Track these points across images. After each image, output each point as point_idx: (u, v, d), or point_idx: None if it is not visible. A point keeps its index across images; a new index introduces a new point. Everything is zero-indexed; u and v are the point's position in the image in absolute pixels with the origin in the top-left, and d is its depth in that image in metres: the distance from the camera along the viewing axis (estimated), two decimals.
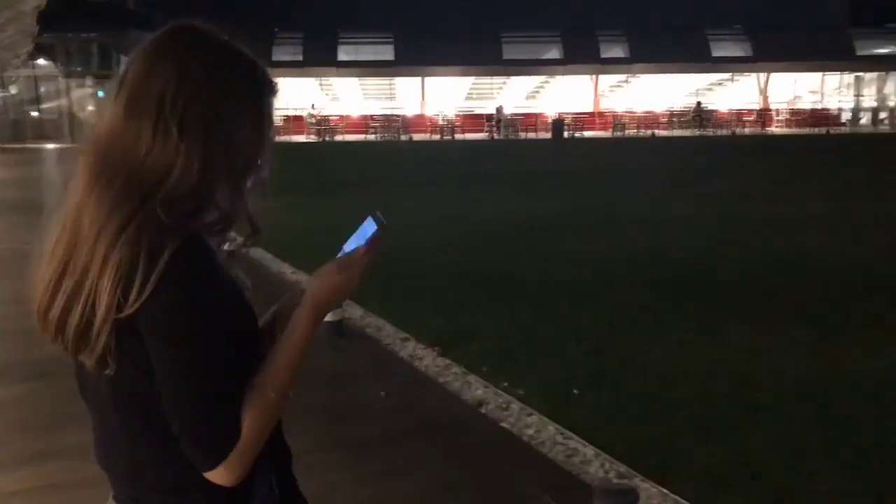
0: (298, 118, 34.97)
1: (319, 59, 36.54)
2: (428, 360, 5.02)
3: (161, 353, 1.07)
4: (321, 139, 33.71)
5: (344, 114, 37.28)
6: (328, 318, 5.33)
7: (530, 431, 3.96)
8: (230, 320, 1.11)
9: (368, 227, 1.23)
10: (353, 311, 6.06)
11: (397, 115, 36.21)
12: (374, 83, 39.59)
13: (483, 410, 4.26)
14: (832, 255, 7.99)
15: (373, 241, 1.21)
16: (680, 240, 8.97)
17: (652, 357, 4.96)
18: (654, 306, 6.07)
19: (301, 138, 32.96)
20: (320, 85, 39.44)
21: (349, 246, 1.24)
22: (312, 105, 35.93)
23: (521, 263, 7.81)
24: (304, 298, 1.19)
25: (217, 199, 1.16)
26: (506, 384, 4.53)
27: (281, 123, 37.86)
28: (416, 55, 36.14)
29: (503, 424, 4.07)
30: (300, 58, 37.28)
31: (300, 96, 35.97)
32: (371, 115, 36.58)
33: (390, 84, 39.62)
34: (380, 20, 37.79)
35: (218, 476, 1.09)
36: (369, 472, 3.55)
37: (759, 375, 4.62)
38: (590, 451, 3.65)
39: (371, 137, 34.56)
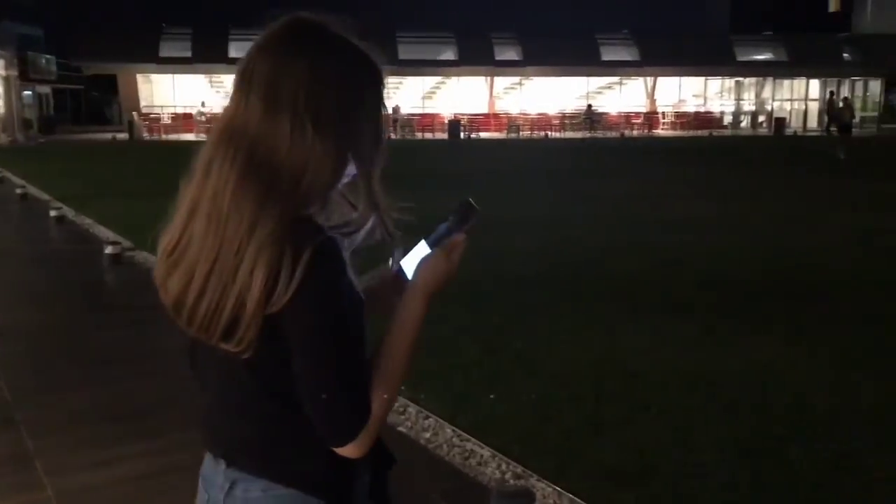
0: (188, 116, 33.88)
1: (210, 55, 35.51)
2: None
3: (303, 344, 1.15)
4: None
5: None
6: None
7: (427, 434, 3.93)
8: (358, 313, 1.20)
9: (463, 214, 1.31)
10: None
11: None
12: None
13: None
14: (718, 253, 8.33)
15: (470, 228, 1.29)
16: (571, 239, 9.16)
17: (546, 356, 5.02)
18: (547, 305, 6.17)
19: (191, 137, 31.98)
20: (210, 82, 38.35)
21: (440, 231, 1.31)
22: (203, 103, 34.91)
23: None
24: (414, 287, 1.26)
25: (349, 198, 1.23)
26: (402, 388, 4.48)
27: (169, 122, 36.74)
28: None
29: (400, 429, 4.03)
30: (188, 54, 36.17)
31: (189, 93, 34.87)
32: None
33: None
34: (274, 17, 36.98)
35: (348, 451, 1.18)
36: None
37: (648, 371, 4.75)
38: (486, 452, 3.66)
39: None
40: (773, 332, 5.53)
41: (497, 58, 37.44)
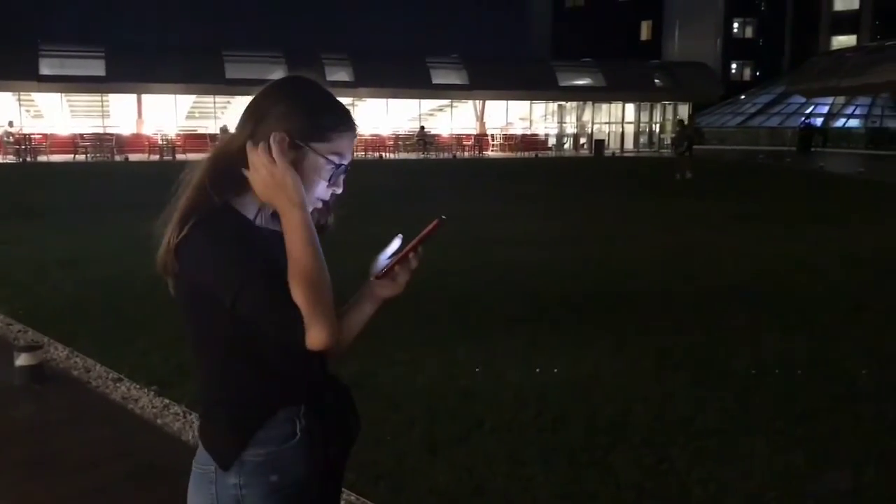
0: None
1: (17, 71, 33.03)
2: (144, 401, 4.63)
3: (223, 290, 1.43)
4: (20, 160, 30.47)
5: (49, 132, 34.04)
6: (23, 362, 4.75)
7: None
8: (256, 254, 1.45)
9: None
10: (57, 353, 5.46)
11: (110, 134, 33.75)
12: (84, 99, 36.55)
13: None
14: (548, 269, 8.63)
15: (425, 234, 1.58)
16: None
17: (381, 378, 4.98)
18: (381, 326, 6.11)
19: None
20: (19, 100, 35.68)
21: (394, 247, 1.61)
22: (10, 122, 32.40)
23: None
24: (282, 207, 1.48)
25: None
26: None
27: None
28: (130, 71, 33.93)
29: None
30: None
31: None
32: (81, 134, 33.72)
33: (102, 101, 36.82)
34: (88, 33, 35.09)
35: (312, 342, 1.42)
36: None
37: (480, 388, 4.81)
38: None
39: (81, 158, 31.86)
40: (597, 344, 5.77)
41: (328, 78, 37.12)
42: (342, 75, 35.74)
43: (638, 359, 5.45)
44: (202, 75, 35.06)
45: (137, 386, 4.83)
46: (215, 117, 38.16)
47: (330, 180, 1.55)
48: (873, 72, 35.66)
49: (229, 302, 1.42)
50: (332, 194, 1.58)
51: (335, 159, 1.53)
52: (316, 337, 1.42)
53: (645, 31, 64.00)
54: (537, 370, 5.16)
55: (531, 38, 53.26)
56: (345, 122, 1.55)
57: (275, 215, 1.51)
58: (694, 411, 4.49)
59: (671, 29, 62.45)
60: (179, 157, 33.03)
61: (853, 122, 47.73)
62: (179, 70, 34.10)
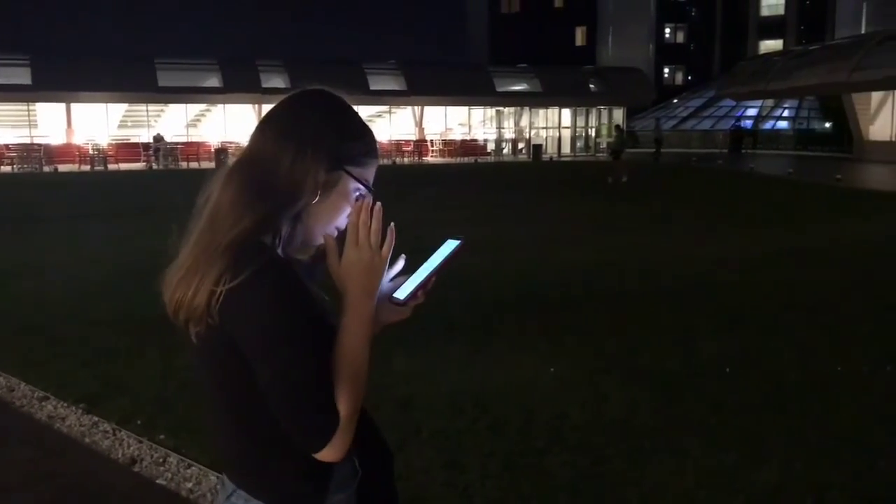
0: None
1: None
2: (72, 419, 4.49)
3: (257, 357, 1.26)
4: None
5: None
6: None
7: (189, 485, 3.70)
8: (315, 325, 1.30)
9: (447, 247, 1.50)
10: None
11: (38, 144, 32.76)
12: (9, 109, 35.42)
13: (137, 469, 3.90)
14: (485, 275, 8.65)
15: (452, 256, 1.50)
16: None
17: None
18: None
19: None
20: None
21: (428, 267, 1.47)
22: None
23: None
24: (345, 303, 1.34)
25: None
26: (163, 437, 4.20)
27: None
28: (58, 79, 33.00)
29: (159, 481, 3.76)
30: None
31: None
32: (6, 145, 32.66)
33: (29, 110, 35.74)
34: (12, 41, 34.00)
35: (326, 454, 1.28)
36: None
37: (419, 395, 4.80)
38: None
39: (7, 169, 30.87)
40: (535, 348, 5.81)
41: (264, 85, 36.82)
42: (278, 82, 35.35)
43: (575, 362, 5.51)
44: (134, 83, 34.29)
45: (65, 404, 4.69)
46: (148, 126, 37.39)
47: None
48: (799, 75, 36.79)
49: (266, 378, 1.26)
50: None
51: (365, 185, 1.42)
52: (335, 451, 1.28)
53: (580, 37, 64.96)
54: (476, 377, 5.17)
55: (468, 43, 53.62)
56: (375, 147, 1.47)
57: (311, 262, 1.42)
58: (629, 412, 4.55)
59: (605, 35, 63.58)
60: (111, 167, 32.27)
61: (782, 124, 49.24)
62: (110, 78, 33.29)
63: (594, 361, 5.51)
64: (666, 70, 65.91)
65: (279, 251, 1.32)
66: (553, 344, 5.94)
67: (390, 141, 39.12)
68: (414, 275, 1.46)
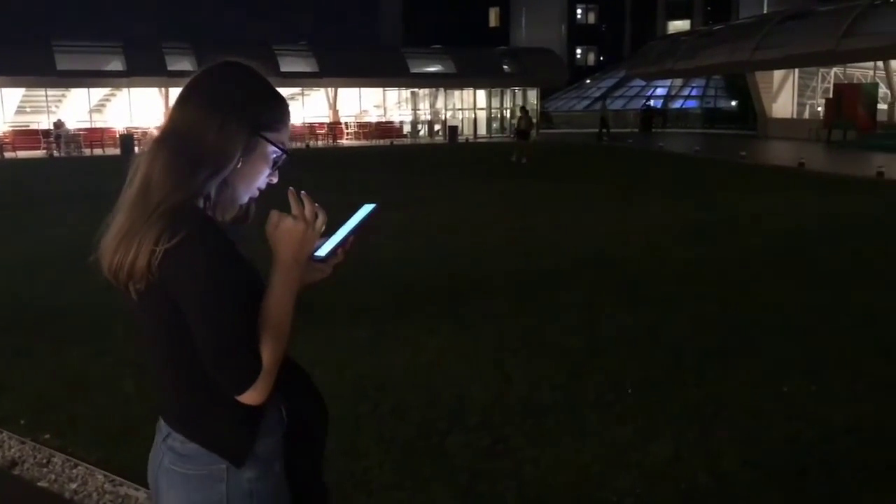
0: None
1: None
2: None
3: (191, 309, 1.38)
4: None
5: None
6: None
7: (74, 486, 3.53)
8: (242, 280, 1.44)
9: (363, 211, 1.59)
10: None
11: None
12: None
13: (17, 471, 3.71)
14: (392, 259, 8.58)
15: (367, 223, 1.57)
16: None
17: None
18: None
19: None
20: None
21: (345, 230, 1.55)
22: None
23: (73, 297, 6.93)
24: (274, 265, 1.46)
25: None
26: (48, 436, 4.00)
27: None
28: None
29: (42, 483, 3.58)
30: None
31: None
32: None
33: None
34: None
35: (248, 397, 1.40)
36: None
37: (320, 382, 4.68)
38: (142, 495, 3.36)
39: None
40: (439, 331, 5.79)
41: (170, 68, 35.67)
42: (185, 64, 34.23)
43: (478, 343, 5.51)
44: (30, 66, 32.71)
45: None
46: (48, 111, 35.79)
47: (271, 170, 1.57)
48: (705, 54, 37.83)
49: (199, 327, 1.39)
50: (268, 184, 1.60)
51: (281, 148, 1.55)
52: (256, 395, 1.41)
53: (493, 18, 65.28)
54: (378, 361, 5.11)
55: (381, 24, 53.10)
56: (287, 112, 1.58)
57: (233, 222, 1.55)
58: (530, 391, 4.58)
59: (518, 16, 63.98)
60: (9, 155, 30.82)
61: (690, 104, 50.56)
62: (4, 61, 31.67)
63: (499, 341, 5.53)
64: (578, 51, 66.84)
65: (209, 213, 1.45)
66: (459, 325, 5.93)
67: (304, 124, 38.48)
68: (333, 236, 1.55)
